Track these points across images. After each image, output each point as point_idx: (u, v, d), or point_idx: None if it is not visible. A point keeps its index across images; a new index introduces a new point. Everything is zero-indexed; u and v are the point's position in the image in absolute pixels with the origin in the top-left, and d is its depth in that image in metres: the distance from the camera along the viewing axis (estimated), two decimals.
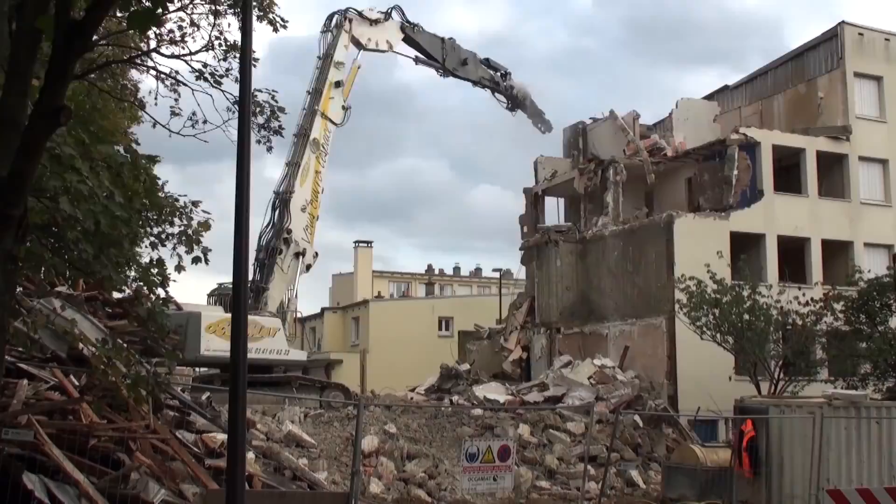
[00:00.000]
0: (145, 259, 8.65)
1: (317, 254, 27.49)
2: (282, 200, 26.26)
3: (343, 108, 27.79)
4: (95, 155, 8.02)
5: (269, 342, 24.50)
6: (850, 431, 15.70)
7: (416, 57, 30.55)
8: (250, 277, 25.18)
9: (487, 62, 32.40)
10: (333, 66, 27.35)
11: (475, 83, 32.08)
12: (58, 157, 7.42)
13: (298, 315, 28.71)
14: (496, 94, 32.92)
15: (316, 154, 26.81)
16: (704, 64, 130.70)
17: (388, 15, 29.33)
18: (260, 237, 26.40)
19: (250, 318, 23.02)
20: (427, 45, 30.47)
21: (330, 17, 28.29)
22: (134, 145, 9.82)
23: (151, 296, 8.69)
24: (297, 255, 26.14)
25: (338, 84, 27.47)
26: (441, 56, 30.56)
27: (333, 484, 17.08)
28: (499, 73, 32.69)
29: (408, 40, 29.99)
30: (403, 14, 29.92)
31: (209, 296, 26.71)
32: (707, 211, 29.79)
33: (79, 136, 7.94)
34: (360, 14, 28.40)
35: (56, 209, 7.21)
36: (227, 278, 25.12)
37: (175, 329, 9.70)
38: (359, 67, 28.69)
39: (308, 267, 26.96)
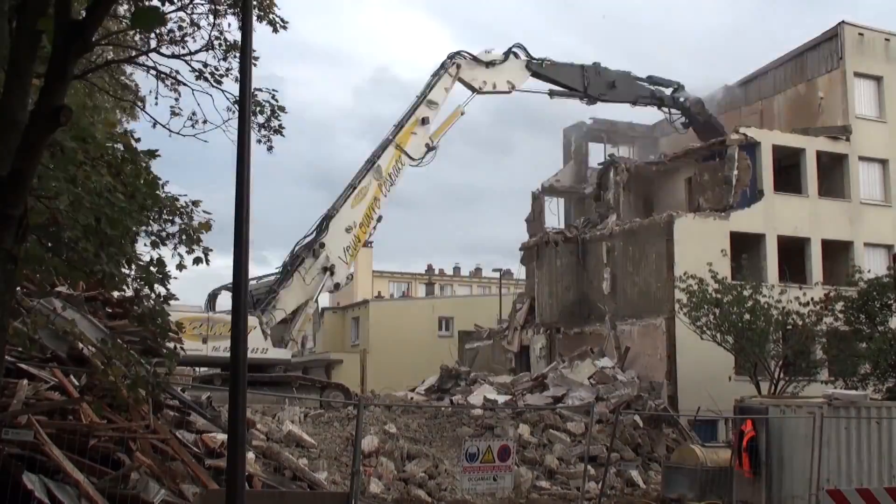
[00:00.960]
0: (146, 258, 8.64)
1: (351, 276, 28.17)
2: (327, 216, 26.57)
3: (427, 146, 27.83)
4: (94, 153, 8.02)
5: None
6: (849, 432, 15.70)
7: (551, 90, 30.37)
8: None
9: (651, 79, 32.23)
10: (425, 103, 27.62)
11: (633, 103, 31.95)
12: (61, 152, 7.42)
13: (317, 325, 28.64)
14: (664, 109, 33.00)
15: (378, 182, 27.00)
16: None
17: (507, 55, 29.20)
18: (294, 245, 26.73)
19: (219, 316, 23.38)
20: (561, 76, 30.26)
21: (444, 64, 28.46)
22: (133, 143, 9.79)
23: (152, 294, 8.68)
24: (324, 269, 26.14)
25: (424, 121, 27.59)
26: (582, 84, 30.37)
27: (333, 484, 17.08)
28: (665, 89, 32.40)
29: (538, 76, 29.84)
30: (526, 51, 29.70)
31: (209, 296, 26.57)
32: (707, 211, 29.78)
33: (78, 134, 7.93)
34: (473, 58, 28.44)
35: (56, 208, 7.21)
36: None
37: (176, 328, 9.67)
38: (462, 113, 28.66)
39: (337, 286, 27.19)
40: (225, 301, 26.07)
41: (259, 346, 24.66)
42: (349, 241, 26.66)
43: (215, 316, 23.96)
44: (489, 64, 28.61)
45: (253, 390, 22.36)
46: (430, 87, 27.88)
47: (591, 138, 38.41)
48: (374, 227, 27.50)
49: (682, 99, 32.84)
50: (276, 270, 26.79)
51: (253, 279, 26.07)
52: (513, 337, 35.20)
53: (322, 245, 26.14)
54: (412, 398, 27.54)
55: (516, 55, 29.39)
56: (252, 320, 23.59)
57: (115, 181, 7.89)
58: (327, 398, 24.25)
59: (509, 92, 29.38)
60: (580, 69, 30.37)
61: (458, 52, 28.51)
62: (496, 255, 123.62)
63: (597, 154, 38.66)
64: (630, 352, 28.91)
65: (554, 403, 25.09)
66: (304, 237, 26.57)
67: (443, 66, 28.08)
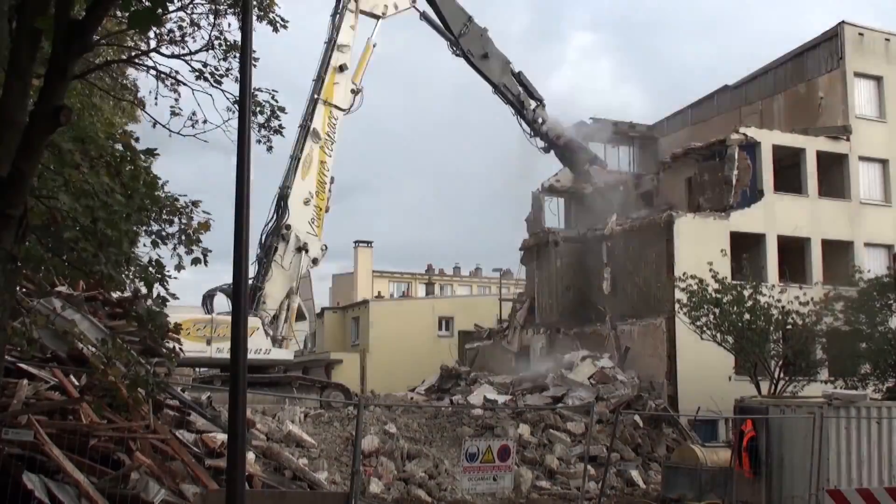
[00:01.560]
0: (145, 259, 8.64)
1: (325, 246, 26.68)
2: (281, 196, 25.69)
3: (353, 91, 26.60)
4: (94, 153, 8.03)
5: (249, 342, 24.03)
6: (850, 431, 15.69)
7: (424, 13, 28.52)
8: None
9: (519, 76, 30.39)
10: (336, 49, 26.23)
11: (495, 88, 29.79)
12: (59, 154, 7.42)
13: (316, 311, 28.11)
14: (521, 121, 30.78)
15: (319, 144, 26.03)
16: None
17: None
18: (261, 236, 25.93)
19: (222, 317, 23.02)
20: (447, 12, 28.54)
21: (336, 2, 26.97)
22: (133, 143, 9.78)
23: (150, 295, 8.68)
24: (299, 249, 25.48)
25: (342, 68, 26.27)
26: (458, 31, 28.61)
27: (333, 484, 17.08)
28: (527, 95, 30.49)
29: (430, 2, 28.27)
30: None
31: (204, 296, 25.95)
32: (707, 211, 29.78)
33: (78, 134, 7.93)
34: None
35: (56, 208, 7.21)
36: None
37: (175, 328, 9.66)
38: (374, 45, 27.23)
39: (315, 260, 26.29)
40: (220, 302, 26.00)
41: (263, 346, 24.48)
42: (311, 213, 25.98)
43: (219, 317, 23.74)
44: None
45: (253, 391, 22.54)
46: (335, 30, 26.45)
47: (592, 138, 38.40)
48: (330, 191, 26.70)
49: (539, 120, 31.04)
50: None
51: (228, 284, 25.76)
52: (513, 337, 35.21)
53: (288, 227, 25.47)
54: (412, 398, 27.54)
55: None
56: (254, 321, 23.62)
57: (114, 182, 7.89)
58: (327, 398, 24.07)
59: (409, 7, 27.91)
60: (467, 18, 28.90)
61: None
62: (496, 255, 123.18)
63: (597, 153, 38.65)
64: (630, 352, 28.92)
65: (554, 403, 25.10)
66: (266, 224, 25.89)
67: (339, 3, 26.62)
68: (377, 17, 27.23)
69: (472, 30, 28.92)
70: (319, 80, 26.24)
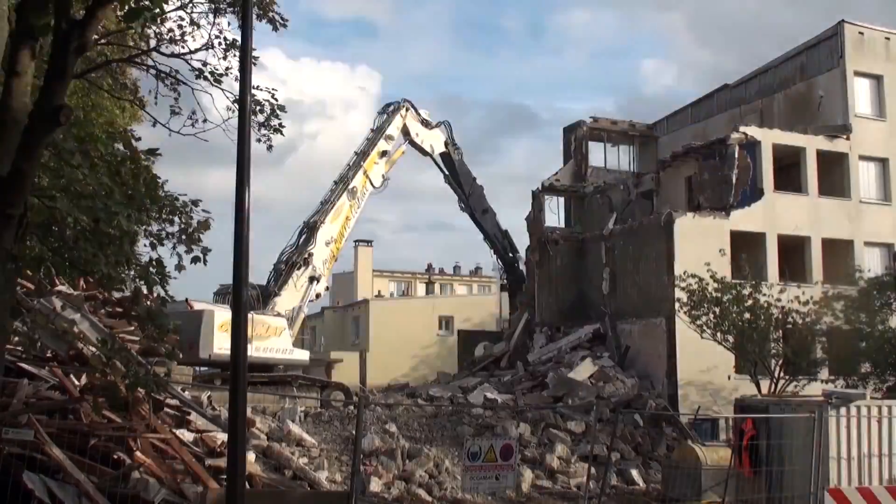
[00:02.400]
0: (145, 259, 8.63)
1: (328, 287, 29.79)
2: (309, 227, 28.12)
3: (383, 177, 30.49)
4: (94, 153, 8.02)
5: (276, 342, 25.14)
6: (850, 430, 15.68)
7: (447, 176, 33.68)
8: (264, 282, 27.53)
9: (506, 233, 35.54)
10: (384, 138, 30.43)
11: (486, 237, 35.01)
12: (58, 154, 7.41)
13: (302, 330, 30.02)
14: (500, 261, 35.98)
15: (350, 203, 29.13)
16: None
17: (439, 124, 32.99)
18: (281, 253, 28.19)
19: (259, 317, 24.19)
20: (460, 170, 33.73)
21: (387, 105, 31.61)
22: (133, 142, 9.76)
23: (151, 295, 8.67)
24: (311, 278, 27.69)
25: (383, 154, 30.32)
26: (467, 191, 33.90)
27: (333, 483, 17.07)
28: (507, 245, 35.55)
29: (445, 157, 33.42)
30: (451, 131, 33.46)
31: (215, 294, 27.00)
32: (707, 210, 29.77)
33: (78, 134, 7.93)
34: (415, 109, 31.79)
35: (56, 208, 7.20)
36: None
37: (175, 329, 9.64)
38: (403, 152, 31.69)
39: (318, 296, 28.70)
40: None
41: (287, 346, 25.86)
42: (328, 255, 28.51)
43: (256, 317, 24.34)
44: (424, 122, 32.25)
45: (253, 390, 22.71)
46: (387, 123, 30.71)
47: (592, 137, 38.40)
48: (342, 247, 30.06)
49: (514, 262, 35.94)
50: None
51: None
52: (512, 336, 35.19)
53: (311, 255, 27.75)
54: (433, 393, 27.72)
55: (445, 128, 33.25)
56: (281, 321, 25.66)
57: (114, 182, 7.88)
58: (327, 397, 24.54)
59: (426, 154, 32.74)
60: (473, 178, 34.09)
61: (405, 100, 31.63)
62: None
63: (597, 153, 38.65)
64: (630, 351, 28.91)
65: (554, 403, 25.09)
66: (288, 244, 28.23)
67: (395, 108, 31.17)
68: (406, 137, 31.62)
69: (475, 189, 34.28)
70: (364, 154, 29.94)
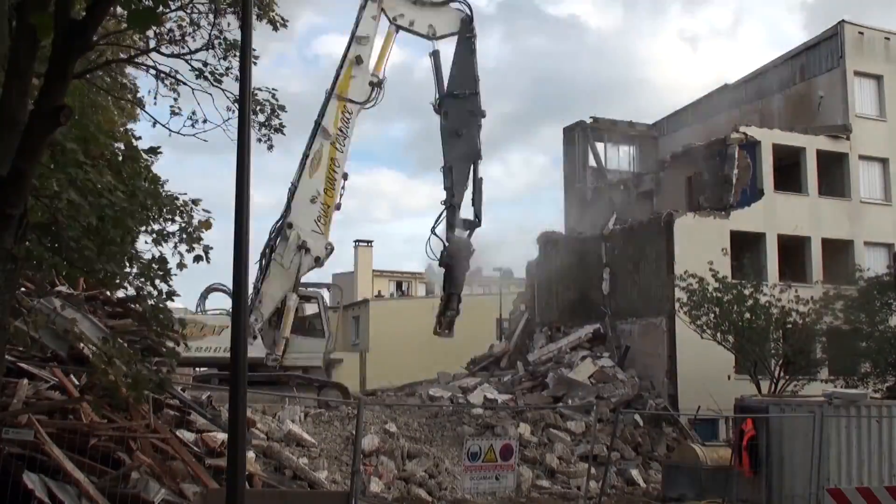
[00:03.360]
0: (146, 257, 8.64)
1: (330, 245, 25.40)
2: (290, 194, 24.96)
3: (371, 84, 25.26)
4: (96, 152, 8.03)
5: (215, 341, 22.87)
6: (850, 430, 15.70)
7: (435, 69, 26.49)
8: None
9: (478, 183, 26.90)
10: (355, 41, 25.18)
11: (444, 165, 26.26)
12: (61, 153, 7.42)
13: (330, 305, 26.23)
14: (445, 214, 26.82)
15: (330, 140, 24.91)
16: None
17: (448, 1, 26.17)
18: (269, 235, 25.15)
19: (191, 317, 22.11)
20: (463, 63, 26.42)
21: None
22: (133, 142, 9.78)
23: (153, 292, 8.67)
24: (298, 248, 24.48)
25: (359, 60, 25.02)
26: (456, 92, 26.24)
27: (333, 483, 17.08)
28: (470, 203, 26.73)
29: (463, 43, 26.31)
30: (470, 9, 26.36)
31: (201, 297, 25.27)
32: (707, 210, 29.77)
33: (79, 134, 7.93)
34: None
35: (56, 208, 7.21)
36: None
37: (181, 325, 9.62)
38: (396, 31, 25.66)
39: (318, 259, 25.03)
40: (216, 301, 25.76)
41: (227, 345, 24.09)
42: (318, 211, 24.78)
43: (189, 317, 22.41)
44: (416, 2, 25.81)
45: (251, 390, 22.44)
46: (357, 22, 25.35)
47: (591, 137, 38.38)
48: (343, 188, 25.43)
49: (458, 229, 26.76)
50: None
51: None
52: (512, 336, 35.21)
53: (290, 225, 24.53)
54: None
55: (460, 10, 26.28)
56: (224, 319, 22.63)
57: (116, 180, 7.90)
58: (325, 397, 23.49)
59: (426, 37, 26.17)
60: (475, 89, 26.58)
61: None
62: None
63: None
64: (630, 351, 28.91)
65: (554, 403, 25.10)
66: (275, 223, 25.01)
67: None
68: (389, 22, 25.84)
69: (471, 102, 26.47)
70: (336, 76, 25.38)
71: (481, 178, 26.73)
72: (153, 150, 8.89)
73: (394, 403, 24.11)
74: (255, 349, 23.40)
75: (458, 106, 26.17)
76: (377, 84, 25.46)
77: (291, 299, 24.80)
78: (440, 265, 26.94)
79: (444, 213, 26.31)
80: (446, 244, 26.23)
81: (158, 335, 10.18)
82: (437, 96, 26.39)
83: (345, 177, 25.44)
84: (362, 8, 25.41)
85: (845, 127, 32.07)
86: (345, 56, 25.33)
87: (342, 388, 25.88)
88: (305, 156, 24.95)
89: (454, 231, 26.32)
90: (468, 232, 26.64)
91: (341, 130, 25.14)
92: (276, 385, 23.66)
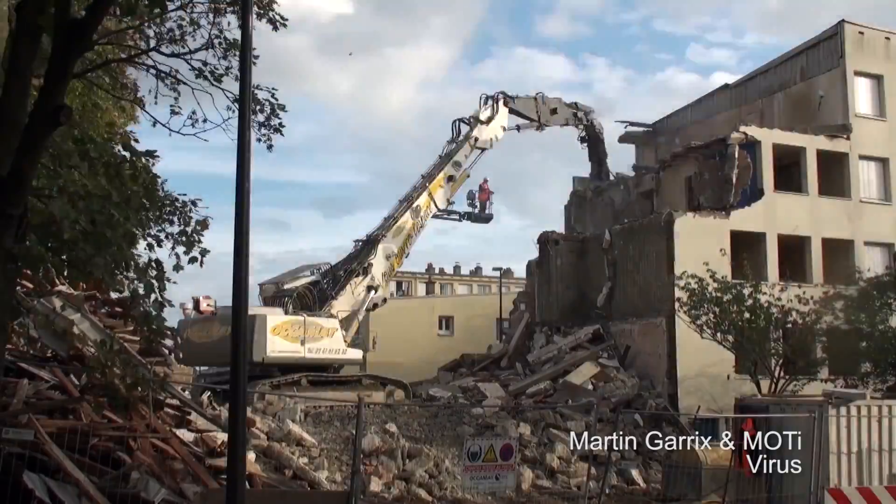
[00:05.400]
0: (143, 260, 8.60)
1: (386, 300, 30.07)
2: (370, 241, 28.40)
3: (448, 200, 30.51)
4: (93, 153, 8.00)
5: (328, 342, 25.71)
6: (850, 430, 15.68)
7: (518, 125, 32.59)
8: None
9: (574, 105, 34.36)
10: (451, 164, 30.09)
11: (564, 124, 34.11)
12: (57, 156, 7.40)
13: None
14: (579, 127, 34.82)
15: (413, 221, 29.24)
16: None
17: (496, 106, 31.41)
18: (340, 262, 28.53)
19: (311, 319, 25.38)
20: (524, 109, 32.67)
21: (454, 127, 30.98)
22: (133, 143, 9.75)
23: (148, 297, 8.62)
24: (369, 287, 28.05)
25: (450, 179, 30.18)
26: (536, 114, 32.73)
27: (334, 483, 17.07)
28: (581, 112, 34.50)
29: (511, 112, 32.35)
30: (505, 93, 31.96)
31: (263, 296, 27.54)
32: (707, 210, 29.77)
33: (77, 136, 7.92)
34: (478, 120, 30.77)
35: (54, 208, 7.19)
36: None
37: (171, 332, 9.63)
38: (468, 176, 31.12)
39: (375, 305, 29.07)
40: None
41: (341, 346, 26.37)
42: (387, 268, 28.74)
43: (309, 319, 25.53)
44: (488, 120, 31.09)
45: (322, 389, 24.27)
46: (455, 151, 30.27)
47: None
48: (401, 264, 30.07)
49: (593, 121, 35.01)
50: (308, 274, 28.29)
51: (268, 281, 27.97)
52: (512, 335, 35.20)
53: (370, 265, 28.05)
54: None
55: (504, 101, 31.79)
56: (333, 322, 26.21)
57: (112, 185, 7.86)
58: (391, 395, 25.95)
59: (503, 134, 31.87)
60: (534, 101, 32.77)
61: (466, 121, 30.89)
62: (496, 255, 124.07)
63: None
64: (630, 351, 28.90)
65: (554, 403, 25.10)
66: (350, 254, 28.58)
67: (464, 137, 30.57)
68: (484, 150, 31.06)
69: (539, 105, 32.97)
70: (429, 177, 29.80)
71: (574, 102, 34.22)
72: (150, 154, 8.87)
73: (394, 403, 24.16)
74: (355, 352, 27.15)
75: (544, 113, 32.99)
76: (451, 202, 30.97)
77: (355, 321, 28.16)
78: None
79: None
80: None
81: (150, 341, 10.15)
82: (537, 129, 32.88)
83: (407, 255, 30.03)
84: (458, 141, 30.55)
85: (845, 127, 32.07)
86: (441, 168, 30.11)
87: (405, 386, 27.67)
88: (394, 219, 28.91)
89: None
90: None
91: (422, 218, 29.74)
92: (347, 385, 25.76)
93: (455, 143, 30.64)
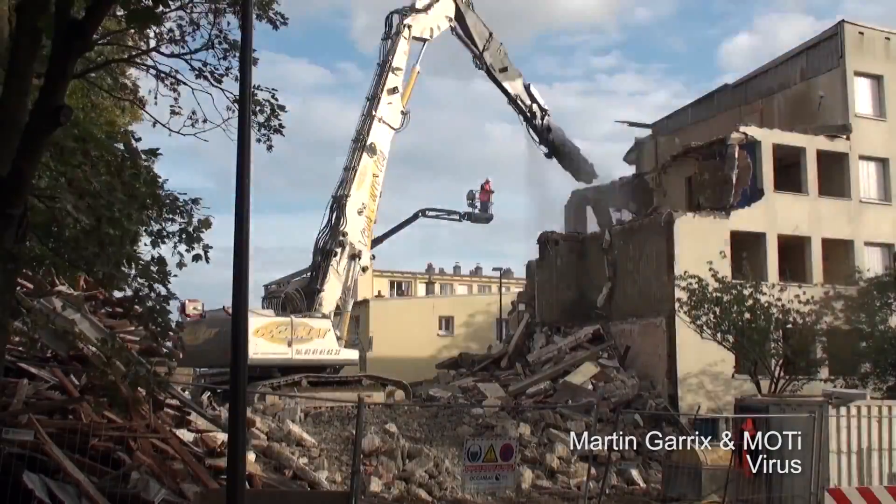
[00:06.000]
0: (146, 258, 8.61)
1: (373, 256, 28.44)
2: (338, 204, 26.81)
3: (402, 112, 28.14)
4: (94, 152, 8.01)
5: (319, 343, 25.18)
6: (850, 430, 15.68)
7: (454, 28, 29.99)
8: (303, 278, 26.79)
9: (528, 89, 32.38)
10: (391, 72, 27.70)
11: (511, 100, 31.99)
12: (60, 153, 7.40)
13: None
14: (531, 131, 32.89)
15: (373, 158, 27.22)
16: None
17: None
18: (317, 240, 26.97)
19: (299, 320, 24.69)
20: (473, 27, 30.29)
21: (388, 21, 28.43)
22: (133, 142, 9.75)
23: (152, 294, 8.64)
24: (352, 256, 26.69)
25: (394, 90, 27.72)
26: (482, 46, 30.47)
27: (334, 483, 17.08)
28: (535, 106, 32.46)
29: (458, 18, 29.91)
30: None
31: (263, 299, 27.06)
32: (707, 210, 29.78)
33: (79, 134, 7.92)
34: (413, 9, 28.36)
35: (56, 208, 7.20)
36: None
37: (176, 328, 9.64)
38: (418, 72, 28.86)
39: (364, 269, 27.60)
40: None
41: (333, 347, 25.69)
42: (363, 223, 27.11)
43: (297, 320, 25.00)
44: (427, 8, 28.67)
45: (321, 389, 23.87)
46: (390, 53, 27.88)
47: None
48: (378, 204, 27.94)
49: (547, 128, 33.05)
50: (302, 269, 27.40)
51: (274, 281, 27.45)
52: (512, 336, 35.20)
53: (345, 233, 26.53)
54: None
55: None
56: (325, 323, 25.41)
57: (115, 181, 7.88)
58: (391, 395, 25.50)
59: (448, 26, 29.64)
60: (489, 34, 30.65)
61: (401, 11, 28.35)
62: (496, 255, 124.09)
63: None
64: (630, 351, 28.91)
65: (554, 403, 25.11)
66: (321, 229, 26.89)
67: (396, 30, 28.09)
68: (424, 41, 28.80)
69: (492, 45, 30.82)
70: (374, 99, 27.59)
71: (529, 84, 32.36)
72: (152, 152, 8.87)
73: (394, 403, 24.18)
74: (346, 351, 26.22)
75: (490, 52, 30.71)
76: (405, 113, 28.44)
77: (349, 303, 27.03)
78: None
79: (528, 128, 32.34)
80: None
81: (156, 338, 10.16)
82: (473, 56, 30.59)
83: (380, 195, 27.94)
84: (391, 40, 27.98)
85: (845, 127, 32.06)
86: (382, 83, 27.65)
87: (405, 386, 27.13)
88: (352, 169, 26.99)
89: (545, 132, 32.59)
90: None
91: (381, 151, 27.62)
92: (347, 385, 25.28)
93: (391, 39, 28.10)
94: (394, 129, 27.99)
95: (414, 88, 28.82)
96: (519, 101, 32.05)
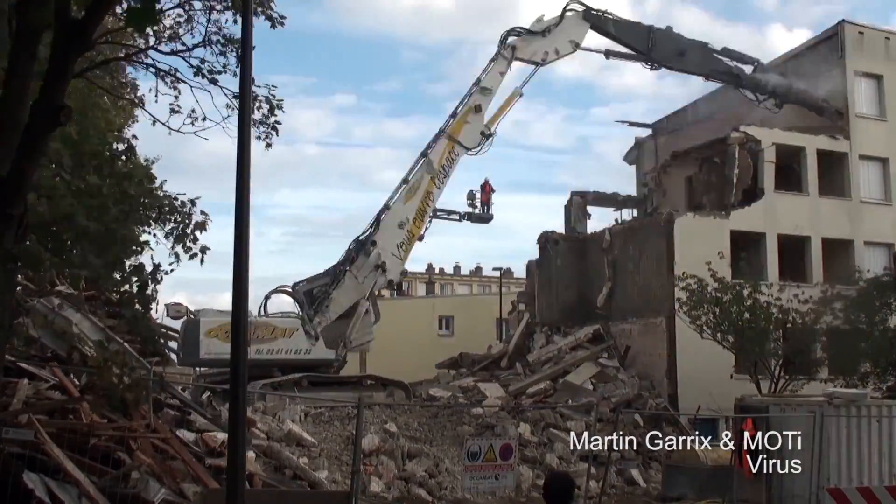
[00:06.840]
0: (139, 260, 8.62)
1: (406, 272, 27.68)
2: (380, 213, 26.07)
3: (482, 134, 26.70)
4: (88, 150, 8.00)
5: (284, 343, 24.82)
6: (850, 430, 15.69)
7: (608, 50, 28.51)
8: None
9: (726, 52, 29.95)
10: (479, 91, 26.64)
11: (706, 77, 29.85)
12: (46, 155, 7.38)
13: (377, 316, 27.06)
14: (745, 92, 30.70)
15: (430, 175, 26.21)
16: None
17: (562, 15, 27.50)
18: (350, 245, 26.25)
19: (261, 320, 24.37)
20: (622, 34, 28.35)
21: (502, 41, 27.19)
22: (132, 140, 9.77)
23: (141, 296, 8.63)
24: (376, 267, 25.57)
25: (477, 109, 26.56)
26: (647, 46, 28.36)
27: (334, 483, 17.07)
28: (743, 66, 29.93)
29: (598, 30, 28.06)
30: (583, 3, 27.71)
31: (265, 299, 26.51)
32: (707, 210, 29.76)
33: (67, 133, 7.89)
34: (528, 31, 27.16)
35: (55, 208, 7.20)
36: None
37: (160, 334, 9.66)
38: (521, 95, 27.49)
39: (391, 283, 26.69)
40: (277, 302, 26.63)
41: (303, 346, 25.05)
42: (402, 237, 25.97)
43: (258, 320, 24.61)
44: (545, 32, 27.04)
45: (322, 391, 23.62)
46: (485, 72, 26.81)
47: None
48: (430, 221, 26.87)
49: (762, 82, 30.55)
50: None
51: (302, 280, 26.34)
52: (512, 336, 35.21)
53: (374, 243, 25.61)
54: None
55: (572, 10, 27.73)
56: (291, 322, 24.93)
57: (103, 180, 7.85)
58: (391, 395, 25.25)
59: (573, 52, 27.85)
60: (647, 30, 28.33)
61: (510, 31, 27.11)
62: (497, 255, 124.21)
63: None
64: (630, 351, 28.90)
65: (554, 403, 25.11)
66: (359, 235, 26.08)
67: (497, 50, 26.92)
68: (536, 64, 27.33)
69: (657, 38, 28.58)
70: (452, 116, 26.61)
71: (724, 48, 29.94)
72: (148, 168, 8.89)
73: (394, 403, 24.18)
74: (321, 351, 25.07)
75: (659, 47, 28.36)
76: (488, 136, 26.74)
77: (363, 309, 25.83)
78: None
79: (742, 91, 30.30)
80: None
81: (147, 343, 10.17)
82: (647, 65, 28.88)
83: (434, 212, 26.87)
84: (493, 60, 26.68)
85: (845, 126, 32.05)
86: (465, 100, 26.61)
87: (405, 386, 26.89)
88: (405, 181, 26.06)
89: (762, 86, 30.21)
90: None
91: (443, 168, 26.41)
92: (347, 385, 25.09)
93: (491, 62, 26.73)
94: (466, 147, 26.59)
95: (509, 112, 27.26)
96: (715, 74, 29.67)
